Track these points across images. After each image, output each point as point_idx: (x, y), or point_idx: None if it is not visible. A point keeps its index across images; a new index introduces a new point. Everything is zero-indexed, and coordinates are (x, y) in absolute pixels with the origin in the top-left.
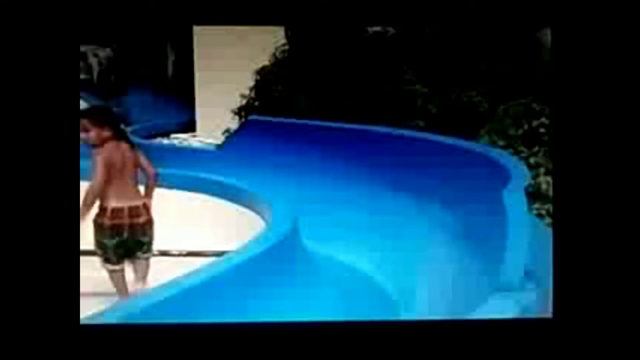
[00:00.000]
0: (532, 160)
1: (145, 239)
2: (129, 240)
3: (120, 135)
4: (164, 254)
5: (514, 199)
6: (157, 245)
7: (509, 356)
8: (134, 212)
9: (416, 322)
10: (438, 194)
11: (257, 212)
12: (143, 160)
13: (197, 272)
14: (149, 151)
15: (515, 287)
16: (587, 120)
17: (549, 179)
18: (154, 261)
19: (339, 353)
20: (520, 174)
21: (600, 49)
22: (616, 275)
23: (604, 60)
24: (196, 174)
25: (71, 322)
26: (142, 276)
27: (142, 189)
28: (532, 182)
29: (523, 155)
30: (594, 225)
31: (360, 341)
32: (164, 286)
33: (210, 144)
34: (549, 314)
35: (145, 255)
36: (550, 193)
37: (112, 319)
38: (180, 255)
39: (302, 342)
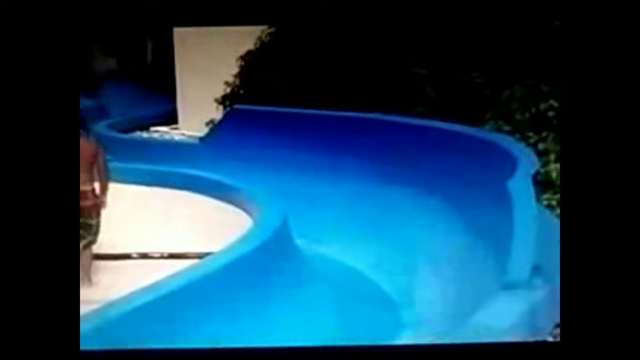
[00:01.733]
0: (540, 146)
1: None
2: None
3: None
4: (144, 256)
5: (521, 189)
6: (137, 248)
7: None
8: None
9: (422, 346)
10: (439, 186)
11: (244, 209)
12: None
13: (182, 273)
14: (127, 146)
15: (523, 285)
16: (601, 107)
17: (559, 166)
18: (135, 264)
19: None
20: (527, 162)
21: (614, 34)
22: (632, 295)
23: (618, 44)
24: (177, 169)
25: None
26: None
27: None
28: (541, 170)
29: (531, 141)
30: (605, 240)
31: None
32: (145, 290)
33: (192, 136)
34: (557, 337)
35: None
36: None
37: (89, 325)
38: (161, 257)
39: None
